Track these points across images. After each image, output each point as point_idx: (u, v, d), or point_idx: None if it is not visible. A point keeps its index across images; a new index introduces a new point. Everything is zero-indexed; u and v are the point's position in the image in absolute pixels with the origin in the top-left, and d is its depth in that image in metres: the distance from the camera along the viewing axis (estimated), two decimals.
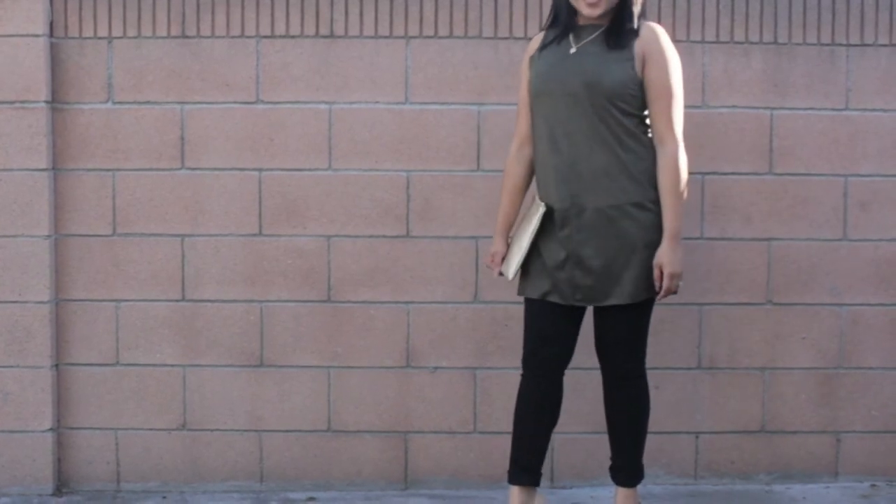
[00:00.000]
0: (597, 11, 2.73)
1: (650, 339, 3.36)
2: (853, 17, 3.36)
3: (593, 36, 2.77)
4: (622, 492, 2.95)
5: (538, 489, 2.99)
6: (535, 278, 2.86)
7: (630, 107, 2.74)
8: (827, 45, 3.37)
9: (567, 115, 2.77)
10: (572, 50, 2.78)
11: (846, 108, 3.39)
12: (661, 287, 2.76)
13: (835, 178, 3.40)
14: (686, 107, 3.32)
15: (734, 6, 3.34)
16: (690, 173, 3.33)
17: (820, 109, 3.38)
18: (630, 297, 2.78)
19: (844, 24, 3.36)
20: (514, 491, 2.95)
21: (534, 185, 2.93)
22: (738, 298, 3.41)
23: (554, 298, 2.83)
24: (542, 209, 2.81)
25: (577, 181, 2.76)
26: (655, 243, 2.75)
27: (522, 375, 2.94)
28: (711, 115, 3.37)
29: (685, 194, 2.79)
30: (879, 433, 3.46)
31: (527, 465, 2.94)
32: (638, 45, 2.73)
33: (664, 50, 2.75)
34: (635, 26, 2.75)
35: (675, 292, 2.80)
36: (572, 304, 2.82)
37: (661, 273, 2.74)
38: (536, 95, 2.83)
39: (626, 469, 2.94)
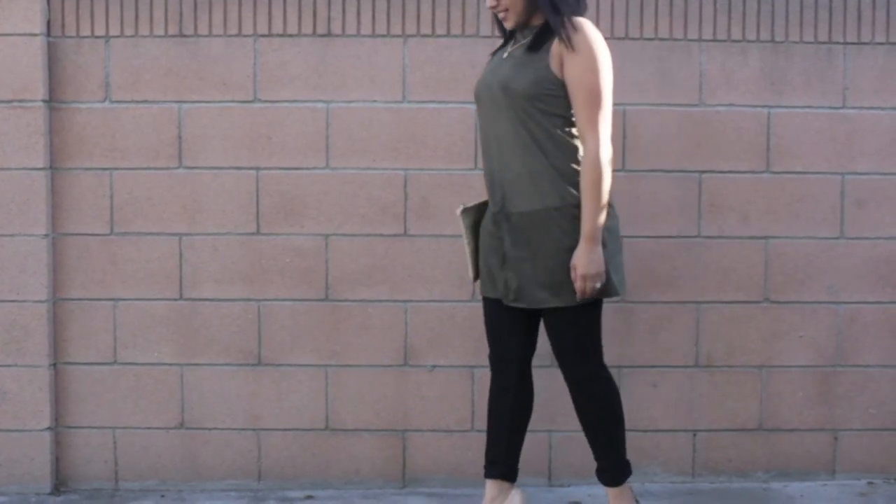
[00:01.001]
0: (508, 25, 2.77)
1: (648, 338, 3.40)
2: (850, 15, 3.38)
3: (525, 40, 2.76)
4: (612, 492, 2.94)
5: (518, 486, 2.99)
6: (484, 278, 2.91)
7: (551, 108, 2.70)
8: (824, 43, 3.39)
9: (494, 120, 2.78)
10: (505, 55, 2.81)
11: (843, 107, 3.41)
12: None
13: (832, 176, 3.42)
14: (683, 105, 3.37)
15: (731, 4, 3.36)
16: (688, 171, 3.38)
17: (817, 108, 3.40)
18: (557, 300, 2.74)
19: (841, 22, 3.38)
20: (486, 485, 2.97)
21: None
22: (735, 297, 3.43)
23: (498, 297, 2.86)
24: (457, 212, 2.91)
25: (505, 186, 2.77)
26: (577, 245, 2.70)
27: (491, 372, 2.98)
28: (708, 113, 3.38)
29: (606, 195, 2.67)
30: (877, 431, 3.48)
31: (495, 459, 2.96)
32: (557, 45, 2.68)
33: (584, 46, 2.65)
34: (556, 25, 2.68)
35: (607, 295, 2.74)
36: (510, 304, 2.83)
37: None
38: (475, 102, 2.87)
39: (611, 470, 2.92)
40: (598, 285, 2.68)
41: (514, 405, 2.94)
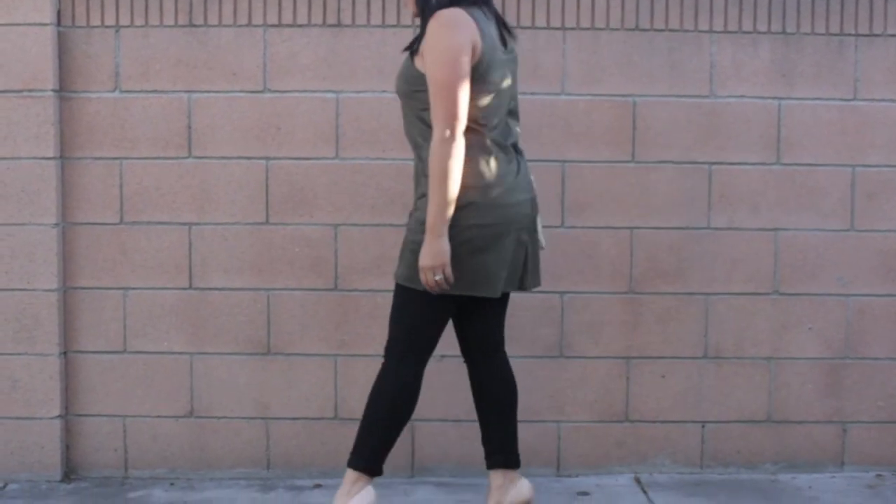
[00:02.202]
0: (414, 16, 2.81)
1: (656, 329, 3.44)
2: (862, 6, 3.40)
3: None
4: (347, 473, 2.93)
5: (522, 475, 3.03)
6: None
7: (422, 104, 2.71)
8: (835, 34, 3.41)
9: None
10: None
11: (854, 99, 3.43)
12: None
13: (842, 168, 3.44)
14: (693, 96, 3.40)
15: None
16: (698, 163, 3.41)
17: (828, 99, 3.43)
18: (394, 274, 2.86)
19: (853, 13, 3.40)
20: (490, 475, 3.01)
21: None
22: (744, 288, 3.46)
23: None
24: None
25: (413, 179, 2.85)
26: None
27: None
28: (719, 105, 3.41)
29: (451, 189, 2.64)
30: (885, 423, 3.52)
31: (493, 449, 3.02)
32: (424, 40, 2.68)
33: (430, 38, 2.63)
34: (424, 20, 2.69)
35: (447, 286, 2.72)
36: None
37: None
38: None
39: (352, 449, 2.94)
40: (438, 278, 2.69)
41: (482, 394, 3.01)
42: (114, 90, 3.39)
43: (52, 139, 3.35)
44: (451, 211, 2.66)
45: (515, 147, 2.84)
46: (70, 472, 3.48)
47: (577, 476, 3.49)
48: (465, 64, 2.63)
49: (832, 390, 3.50)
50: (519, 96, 3.36)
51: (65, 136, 3.39)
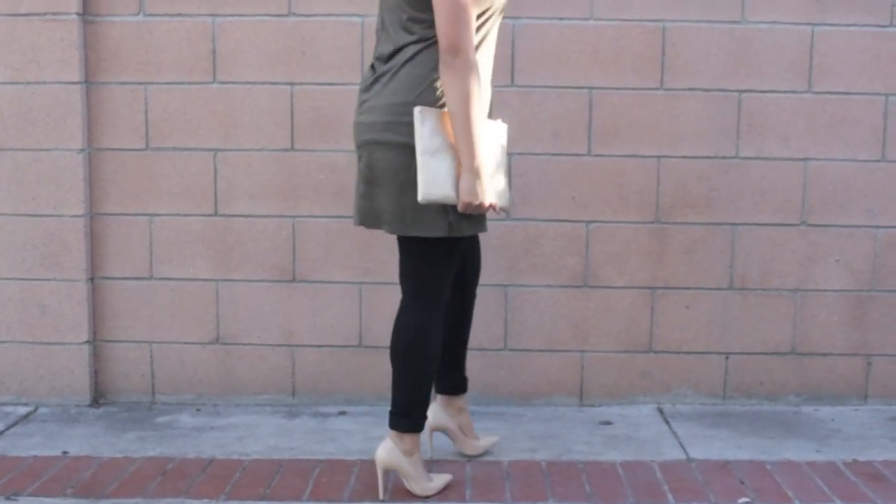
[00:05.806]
0: None
1: (682, 259, 3.46)
2: None
3: None
4: None
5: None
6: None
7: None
8: None
9: None
10: None
11: (890, 25, 3.40)
12: None
13: (875, 97, 3.42)
14: (724, 22, 3.38)
15: None
16: (727, 90, 3.40)
17: (863, 26, 3.39)
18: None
19: None
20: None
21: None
22: (771, 219, 3.46)
23: None
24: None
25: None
26: None
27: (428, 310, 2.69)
28: (750, 31, 3.38)
29: None
30: None
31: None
32: None
33: None
34: None
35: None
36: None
37: None
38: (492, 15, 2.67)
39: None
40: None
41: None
42: (138, 14, 3.40)
43: (76, 63, 3.37)
44: None
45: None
46: (98, 396, 3.55)
47: (600, 406, 3.53)
48: None
49: (858, 323, 3.52)
50: (546, 21, 3.36)
51: (89, 61, 3.41)
